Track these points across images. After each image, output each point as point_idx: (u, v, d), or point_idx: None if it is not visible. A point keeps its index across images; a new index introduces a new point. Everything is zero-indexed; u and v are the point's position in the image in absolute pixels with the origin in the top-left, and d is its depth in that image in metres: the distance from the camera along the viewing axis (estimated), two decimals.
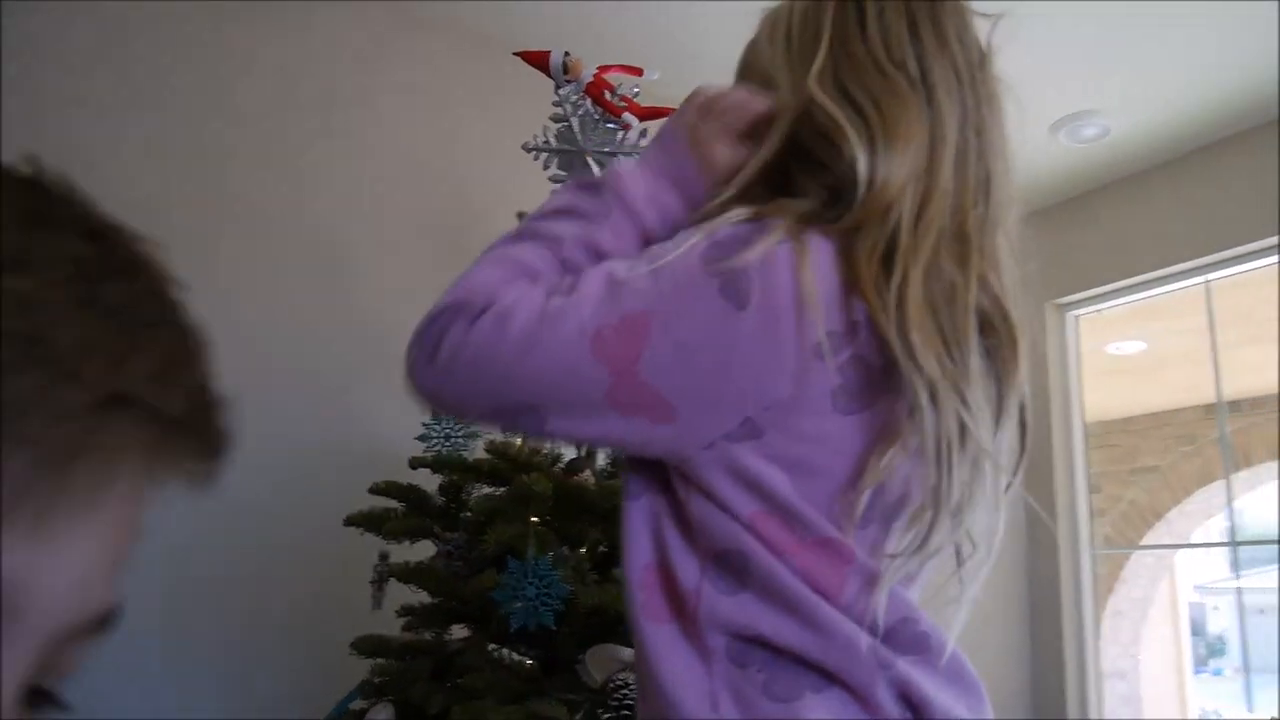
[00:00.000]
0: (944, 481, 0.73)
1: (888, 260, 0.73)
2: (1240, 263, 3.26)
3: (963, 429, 0.72)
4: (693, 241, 0.74)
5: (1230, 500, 3.57)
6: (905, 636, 0.75)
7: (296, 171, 2.40)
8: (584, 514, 1.63)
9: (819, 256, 0.73)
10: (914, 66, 0.79)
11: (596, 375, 0.73)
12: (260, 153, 2.36)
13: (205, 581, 2.11)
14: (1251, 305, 4.54)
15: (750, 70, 0.92)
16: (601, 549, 1.74)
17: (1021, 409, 0.81)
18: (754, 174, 0.81)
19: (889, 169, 0.75)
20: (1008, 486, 0.78)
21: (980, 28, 0.86)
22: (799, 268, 0.71)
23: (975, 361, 0.75)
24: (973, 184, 0.79)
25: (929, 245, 0.74)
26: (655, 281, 0.73)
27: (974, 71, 0.82)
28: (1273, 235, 3.10)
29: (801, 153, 0.81)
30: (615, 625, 1.51)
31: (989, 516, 0.76)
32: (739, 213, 0.76)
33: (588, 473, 1.64)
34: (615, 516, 1.64)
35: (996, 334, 0.77)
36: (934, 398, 0.71)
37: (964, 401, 0.72)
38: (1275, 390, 5.91)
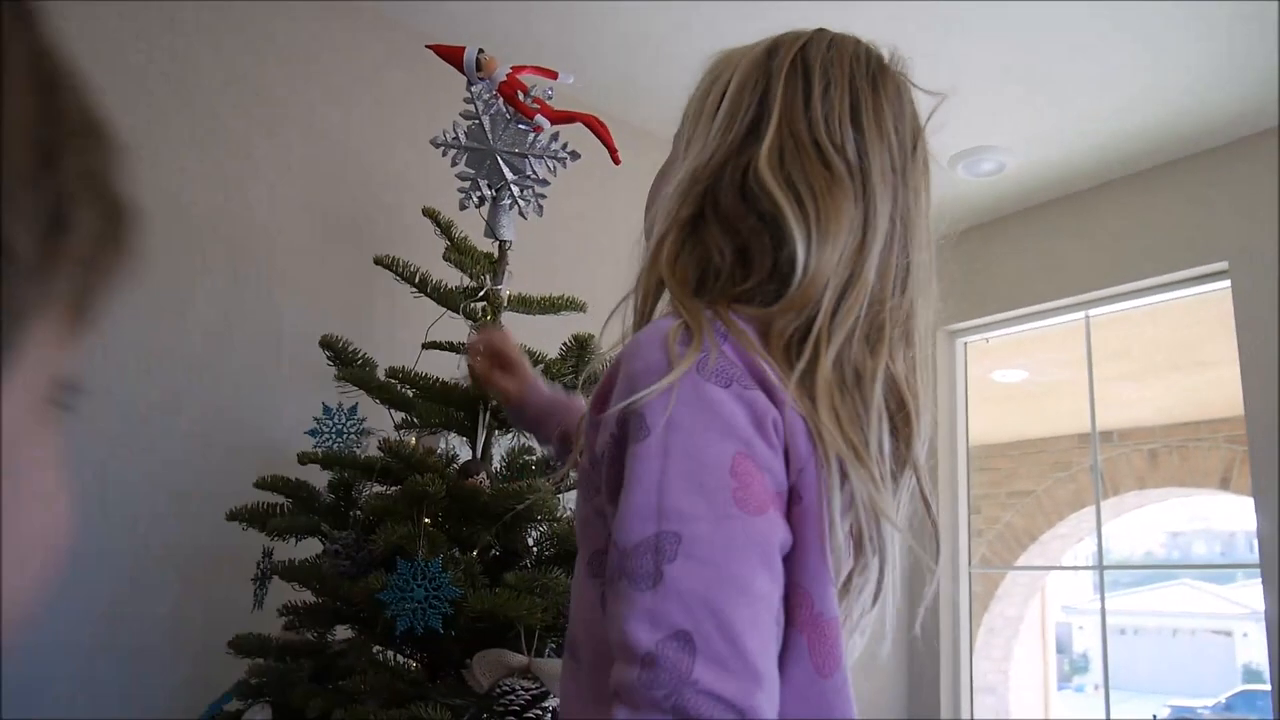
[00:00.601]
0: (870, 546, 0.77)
1: (800, 343, 0.75)
2: (1120, 300, 3.42)
3: (871, 500, 0.75)
4: (678, 378, 0.70)
5: (1099, 526, 3.73)
6: None
7: (191, 159, 2.32)
8: (477, 517, 1.61)
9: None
10: (852, 151, 0.80)
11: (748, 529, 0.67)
12: (160, 135, 2.27)
13: (79, 573, 2.01)
14: (1127, 342, 4.79)
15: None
16: (493, 553, 1.72)
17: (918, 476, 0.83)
18: (673, 243, 0.82)
19: (819, 260, 0.76)
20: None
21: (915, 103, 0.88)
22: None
23: (884, 439, 0.78)
24: (894, 273, 0.81)
25: (844, 332, 0.76)
26: (672, 429, 0.69)
27: (906, 160, 0.83)
28: (1152, 275, 3.27)
29: (725, 221, 0.81)
30: (504, 631, 1.49)
31: (889, 575, 0.81)
32: (676, 323, 0.74)
33: (482, 476, 1.62)
34: (509, 521, 1.64)
35: (894, 415, 0.80)
36: (844, 474, 0.73)
37: (870, 476, 0.75)
38: (1142, 424, 6.24)
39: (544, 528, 1.66)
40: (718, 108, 0.84)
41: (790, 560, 0.71)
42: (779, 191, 0.78)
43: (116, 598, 2.05)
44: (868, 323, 0.78)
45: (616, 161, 1.95)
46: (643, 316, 0.82)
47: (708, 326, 0.73)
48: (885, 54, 0.87)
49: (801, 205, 0.77)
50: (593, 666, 0.75)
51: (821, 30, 0.87)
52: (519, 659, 1.48)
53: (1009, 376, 5.50)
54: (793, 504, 0.72)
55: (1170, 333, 4.91)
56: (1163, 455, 6.20)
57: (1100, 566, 3.60)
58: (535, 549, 1.74)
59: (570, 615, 0.81)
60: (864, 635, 0.86)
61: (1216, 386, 4.78)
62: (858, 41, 0.86)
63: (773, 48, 0.85)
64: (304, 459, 1.73)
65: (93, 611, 2.02)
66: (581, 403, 1.28)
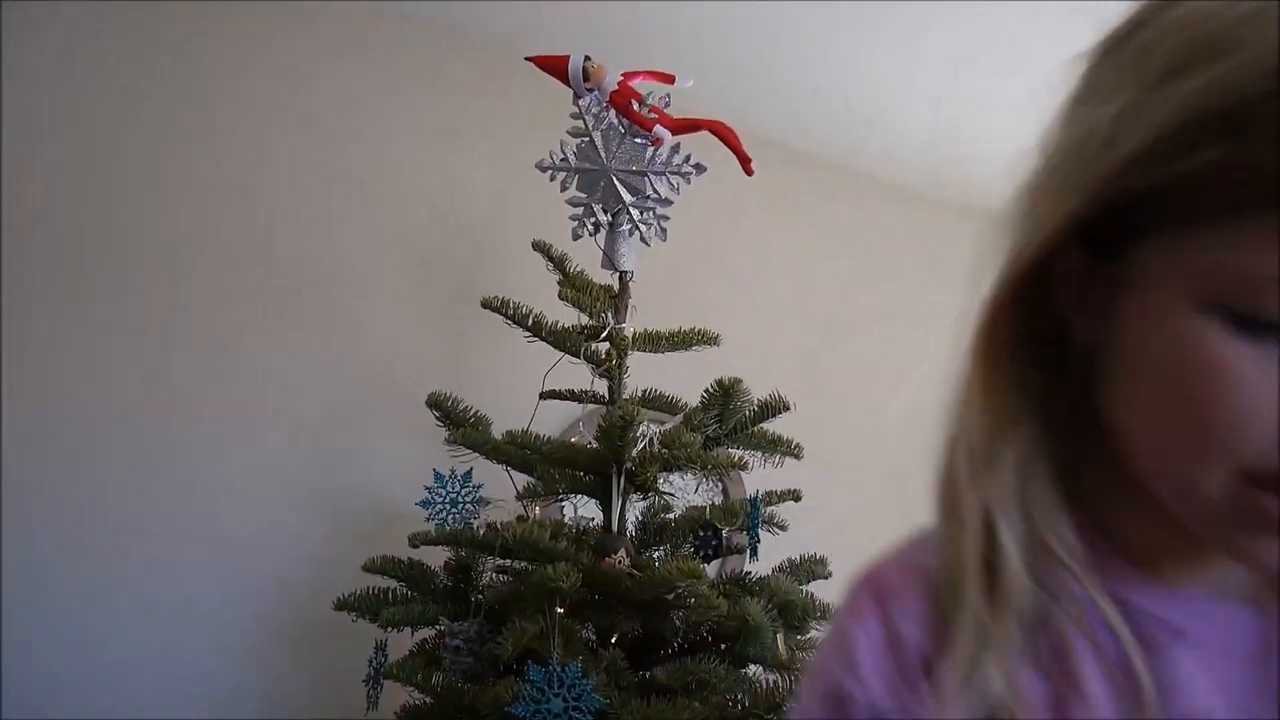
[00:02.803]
0: None
1: None
2: None
3: None
4: None
5: None
6: None
7: (290, 201, 2.15)
8: (617, 604, 1.37)
9: None
10: None
11: None
12: (244, 181, 2.11)
13: (177, 675, 1.86)
14: None
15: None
16: (633, 635, 1.49)
17: None
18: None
19: None
20: None
21: None
22: None
23: None
24: None
25: None
26: None
27: None
28: None
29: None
30: None
31: None
32: None
33: (622, 553, 1.38)
34: (654, 607, 1.40)
35: None
36: None
37: None
38: None
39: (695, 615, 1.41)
40: None
41: None
42: None
43: (224, 696, 1.89)
44: None
45: (749, 172, 1.70)
46: None
47: None
48: None
49: None
50: None
51: None
52: None
53: None
54: None
55: None
56: None
57: None
58: (682, 629, 1.49)
59: None
60: None
61: None
62: None
63: None
64: (416, 541, 1.52)
65: (208, 706, 1.86)
66: None
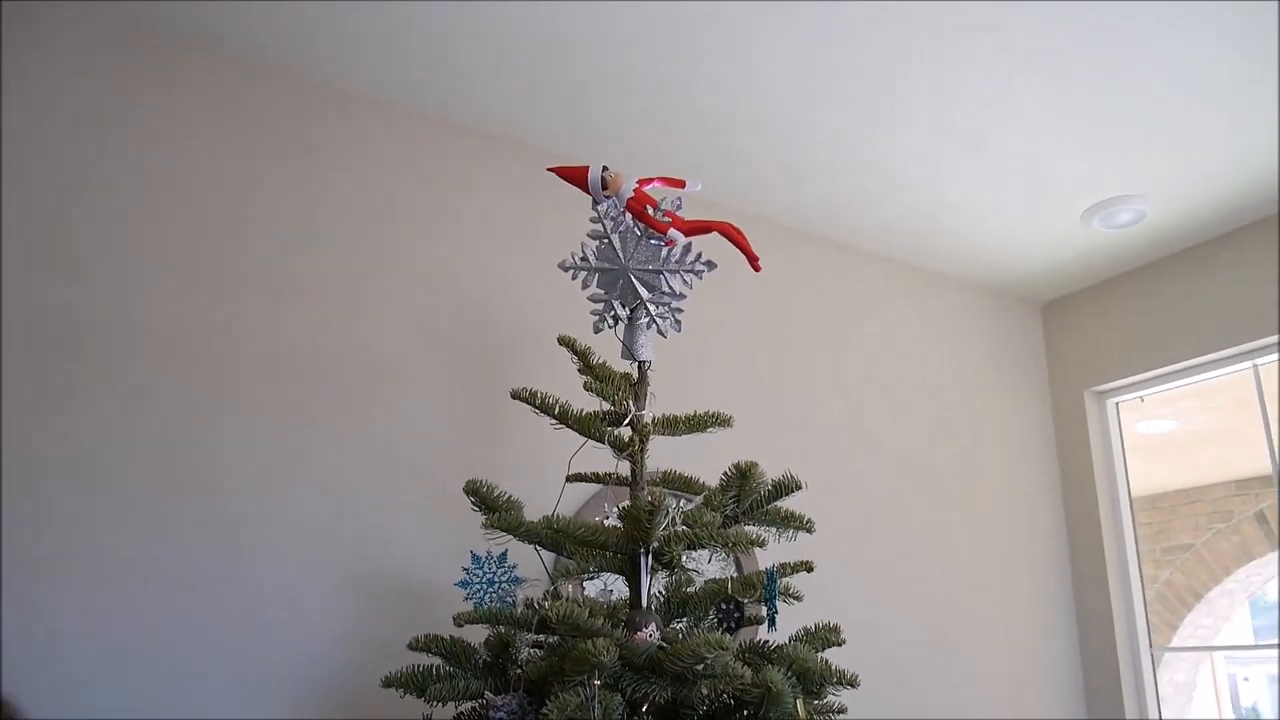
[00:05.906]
0: None
1: None
2: None
3: None
4: None
5: None
6: None
7: (323, 294, 2.29)
8: (648, 674, 1.48)
9: None
10: None
11: None
12: (282, 273, 2.25)
13: None
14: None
15: None
16: (663, 703, 1.59)
17: None
18: None
19: None
20: None
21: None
22: None
23: None
24: None
25: None
26: None
27: None
28: None
29: None
30: None
31: None
32: None
33: (652, 628, 1.49)
34: (683, 677, 1.50)
35: None
36: None
37: None
38: None
39: (721, 684, 1.51)
40: None
41: None
42: None
43: None
44: None
45: (757, 269, 1.85)
46: None
47: None
48: None
49: None
50: None
51: None
52: None
53: (1155, 428, 5.15)
54: None
55: None
56: None
57: None
58: (709, 697, 1.59)
59: None
60: None
61: None
62: None
63: None
64: (461, 620, 1.63)
65: None
66: None
